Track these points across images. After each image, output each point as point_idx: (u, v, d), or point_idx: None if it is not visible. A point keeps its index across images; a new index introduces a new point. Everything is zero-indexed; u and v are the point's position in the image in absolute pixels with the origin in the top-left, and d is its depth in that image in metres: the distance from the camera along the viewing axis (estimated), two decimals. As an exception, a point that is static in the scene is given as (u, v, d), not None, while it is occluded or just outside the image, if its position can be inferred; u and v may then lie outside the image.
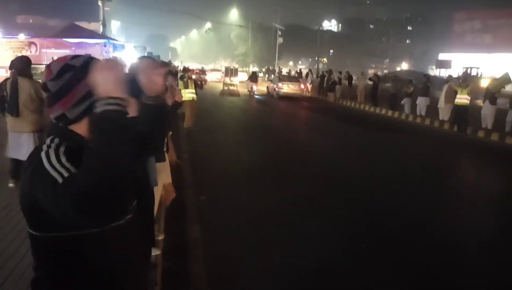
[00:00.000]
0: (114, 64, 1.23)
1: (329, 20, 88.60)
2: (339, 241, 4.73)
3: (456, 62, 45.84)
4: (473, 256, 4.57)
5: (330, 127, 14.47)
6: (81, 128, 1.32)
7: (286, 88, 23.36)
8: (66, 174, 1.17)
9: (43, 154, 1.23)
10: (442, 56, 53.49)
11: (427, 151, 10.77)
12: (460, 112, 13.43)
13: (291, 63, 70.26)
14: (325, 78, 25.74)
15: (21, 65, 5.02)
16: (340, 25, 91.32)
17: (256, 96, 24.41)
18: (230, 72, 27.46)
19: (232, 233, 4.80)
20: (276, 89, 23.76)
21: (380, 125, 15.18)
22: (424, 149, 11.04)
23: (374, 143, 11.52)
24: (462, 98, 13.31)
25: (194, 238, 4.47)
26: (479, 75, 17.63)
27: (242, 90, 25.81)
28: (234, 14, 65.22)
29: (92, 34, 27.58)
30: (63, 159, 1.21)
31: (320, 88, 26.65)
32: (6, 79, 5.17)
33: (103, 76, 1.20)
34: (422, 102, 16.47)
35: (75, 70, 1.30)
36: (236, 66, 44.21)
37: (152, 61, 1.44)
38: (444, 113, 15.25)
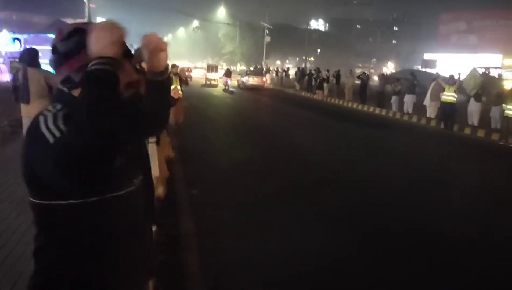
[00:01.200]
0: (110, 25, 1.21)
1: (317, 20, 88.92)
2: (331, 233, 4.75)
3: (442, 62, 46.47)
4: (462, 251, 4.63)
5: (317, 123, 14.53)
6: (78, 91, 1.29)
7: (251, 80, 28.74)
8: (58, 134, 1.13)
9: (40, 117, 1.20)
10: (427, 56, 54.16)
11: (413, 147, 10.88)
12: (446, 109, 13.60)
13: (278, 62, 70.31)
14: (313, 76, 25.93)
15: (29, 57, 5.41)
16: (327, 24, 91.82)
17: (230, 89, 27.84)
18: (211, 68, 33.61)
19: (225, 225, 4.78)
20: (244, 81, 28.93)
21: (368, 122, 15.29)
22: (411, 145, 11.15)
23: (361, 139, 11.59)
24: (449, 96, 13.47)
25: (187, 231, 4.43)
26: (500, 77, 17.27)
27: (220, 84, 30.81)
28: (221, 13, 65.00)
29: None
30: (60, 122, 1.17)
31: (308, 85, 26.95)
32: (18, 70, 5.60)
33: (97, 36, 1.19)
34: (409, 100, 16.67)
35: (85, 33, 1.26)
36: (223, 64, 48.79)
37: (155, 35, 1.38)
38: (430, 110, 15.48)
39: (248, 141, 10.45)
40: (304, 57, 57.71)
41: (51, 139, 1.12)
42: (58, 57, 1.29)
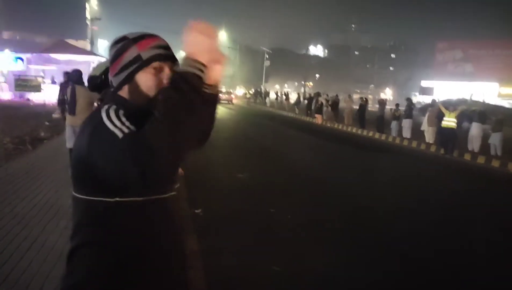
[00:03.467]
0: (211, 30, 1.22)
1: (315, 46, 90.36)
2: (334, 251, 4.70)
3: (439, 89, 47.07)
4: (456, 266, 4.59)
5: (317, 146, 14.58)
6: (124, 93, 1.33)
7: (223, 96, 37.35)
8: (126, 130, 1.15)
9: (103, 113, 1.22)
10: (424, 83, 54.88)
11: (414, 172, 10.89)
12: (447, 135, 13.69)
13: (277, 86, 71.05)
14: (313, 100, 26.19)
15: (76, 77, 6.42)
16: (326, 50, 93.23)
17: None
18: None
19: (229, 244, 4.72)
20: None
21: (367, 146, 15.35)
22: (411, 170, 11.17)
23: (362, 162, 11.61)
24: (450, 121, 13.59)
25: (191, 250, 4.38)
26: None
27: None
28: (222, 36, 66.08)
29: (80, 51, 27.52)
30: (123, 119, 1.19)
31: (307, 109, 27.22)
32: (65, 85, 6.74)
33: (196, 38, 1.20)
34: (406, 124, 16.90)
35: (128, 40, 1.33)
36: (222, 87, 53.35)
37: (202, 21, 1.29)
38: (428, 135, 15.68)
39: (247, 157, 10.45)
40: (303, 82, 58.36)
41: (119, 134, 1.14)
42: (126, 42, 1.33)
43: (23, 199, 5.34)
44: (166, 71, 1.33)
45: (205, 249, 4.42)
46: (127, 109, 1.25)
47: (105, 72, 1.42)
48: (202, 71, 1.19)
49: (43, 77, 14.54)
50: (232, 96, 43.00)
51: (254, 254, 4.50)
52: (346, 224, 5.83)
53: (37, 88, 13.33)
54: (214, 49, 1.22)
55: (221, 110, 28.30)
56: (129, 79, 1.30)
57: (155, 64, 1.30)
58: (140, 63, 1.29)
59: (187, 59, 1.20)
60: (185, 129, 1.13)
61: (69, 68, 25.31)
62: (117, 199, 1.21)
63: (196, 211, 5.81)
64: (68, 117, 6.48)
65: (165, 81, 1.31)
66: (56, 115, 12.29)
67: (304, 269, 4.22)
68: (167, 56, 1.33)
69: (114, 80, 1.33)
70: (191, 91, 1.15)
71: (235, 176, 8.37)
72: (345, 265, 4.43)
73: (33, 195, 5.54)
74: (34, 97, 20.45)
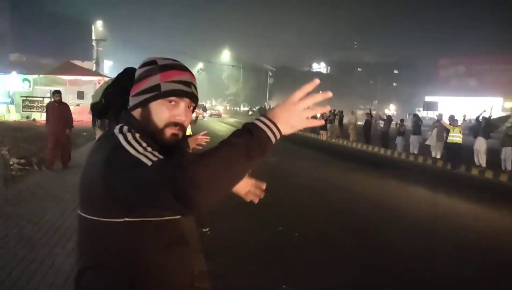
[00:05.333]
0: (318, 107, 1.19)
1: (318, 63, 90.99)
2: (343, 270, 4.62)
3: (443, 104, 47.03)
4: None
5: (323, 162, 14.51)
6: (137, 115, 1.33)
7: (213, 112, 53.64)
8: (153, 158, 1.12)
9: (119, 136, 1.20)
10: (428, 99, 54.89)
11: (423, 187, 10.79)
12: (453, 150, 13.60)
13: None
14: (317, 117, 26.27)
15: None
16: (329, 67, 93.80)
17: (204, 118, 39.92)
18: (202, 108, 43.87)
19: (237, 264, 4.66)
20: (205, 114, 44.65)
21: (374, 162, 15.27)
22: (420, 186, 11.07)
23: (370, 179, 11.52)
24: (455, 137, 13.52)
25: (198, 270, 4.32)
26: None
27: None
28: (226, 55, 66.75)
29: (86, 72, 27.87)
30: (144, 144, 1.17)
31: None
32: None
33: (297, 107, 1.15)
34: (414, 140, 16.79)
35: (155, 66, 1.32)
36: (226, 105, 60.96)
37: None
38: (436, 150, 15.57)
39: (252, 174, 10.39)
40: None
41: (147, 162, 1.10)
42: (153, 68, 1.33)
43: (30, 220, 5.32)
44: (182, 108, 1.31)
45: (213, 269, 4.37)
46: (140, 131, 1.24)
47: (105, 95, 1.42)
48: (275, 137, 1.13)
49: (50, 98, 14.77)
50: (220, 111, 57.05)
51: (263, 273, 4.44)
52: (356, 242, 5.75)
53: (44, 108, 13.49)
54: (309, 124, 1.17)
55: (225, 128, 28.35)
56: (143, 104, 1.30)
57: (172, 98, 1.29)
58: (157, 94, 1.28)
59: (272, 118, 1.13)
60: (236, 176, 1.11)
61: (76, 89, 25.53)
62: (126, 219, 1.21)
63: (203, 230, 5.77)
64: (98, 131, 6.96)
65: (178, 117, 1.30)
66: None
67: (314, 288, 4.15)
68: (186, 93, 1.31)
69: (131, 100, 1.34)
70: (256, 152, 1.10)
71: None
72: (354, 284, 4.35)
73: (39, 216, 5.52)
74: (40, 118, 20.63)
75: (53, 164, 8.91)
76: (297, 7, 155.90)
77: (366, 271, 4.72)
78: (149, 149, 1.15)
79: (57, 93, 9.14)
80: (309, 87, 1.16)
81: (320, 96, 1.18)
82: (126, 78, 1.39)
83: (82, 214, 1.27)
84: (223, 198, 1.10)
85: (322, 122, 1.25)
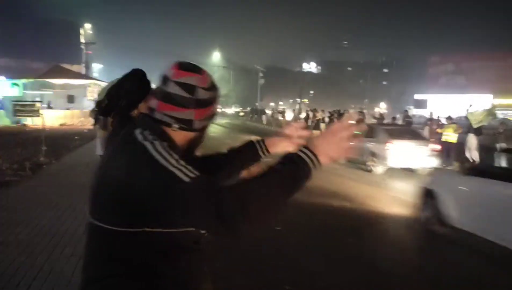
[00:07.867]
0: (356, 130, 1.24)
1: (309, 63, 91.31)
2: (345, 270, 4.63)
3: (432, 102, 47.43)
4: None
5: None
6: (176, 135, 1.28)
7: None
8: (190, 174, 1.10)
9: (145, 143, 1.16)
10: (418, 96, 55.33)
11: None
12: (446, 148, 13.70)
13: (272, 103, 71.43)
14: (308, 117, 26.36)
15: None
16: (319, 67, 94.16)
17: None
18: None
19: (239, 267, 4.65)
20: None
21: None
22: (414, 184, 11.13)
23: (368, 178, 11.57)
24: (449, 135, 13.63)
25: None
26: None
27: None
28: (216, 57, 66.69)
29: (76, 75, 27.67)
30: (175, 156, 1.15)
31: (305, 126, 27.36)
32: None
33: (339, 138, 1.22)
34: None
35: (192, 96, 1.28)
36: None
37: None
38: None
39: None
40: (298, 99, 58.75)
41: (184, 178, 1.10)
42: (196, 101, 1.28)
43: (26, 226, 5.25)
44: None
45: (215, 271, 4.34)
46: (165, 140, 1.21)
47: (108, 95, 1.41)
48: (315, 168, 1.20)
49: (41, 102, 14.61)
50: None
51: (265, 274, 4.42)
52: (357, 242, 5.76)
53: (35, 112, 13.31)
54: (346, 154, 1.25)
55: (216, 128, 28.26)
56: (197, 129, 1.32)
57: (197, 132, 1.33)
58: (188, 128, 1.28)
59: (313, 150, 1.20)
60: (278, 201, 1.17)
61: (65, 93, 25.37)
62: (146, 229, 1.18)
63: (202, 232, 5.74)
64: (99, 130, 7.36)
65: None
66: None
67: (317, 288, 4.15)
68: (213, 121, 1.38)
69: (158, 113, 1.27)
70: (299, 184, 1.18)
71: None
72: (357, 284, 4.36)
73: (36, 222, 5.45)
74: (30, 122, 20.38)
75: None
76: (286, 8, 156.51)
77: (369, 270, 4.73)
78: (181, 162, 1.13)
79: None
80: (346, 120, 1.25)
81: (355, 127, 1.24)
82: (132, 82, 1.38)
83: (95, 222, 1.22)
84: (263, 226, 1.14)
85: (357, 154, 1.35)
